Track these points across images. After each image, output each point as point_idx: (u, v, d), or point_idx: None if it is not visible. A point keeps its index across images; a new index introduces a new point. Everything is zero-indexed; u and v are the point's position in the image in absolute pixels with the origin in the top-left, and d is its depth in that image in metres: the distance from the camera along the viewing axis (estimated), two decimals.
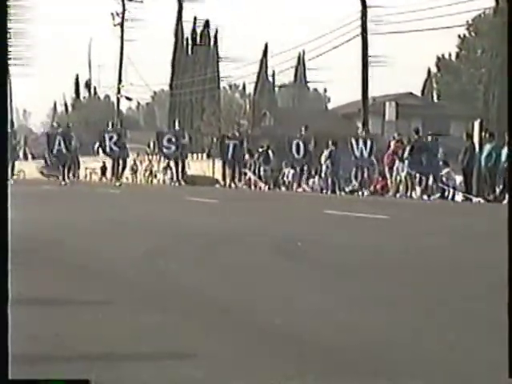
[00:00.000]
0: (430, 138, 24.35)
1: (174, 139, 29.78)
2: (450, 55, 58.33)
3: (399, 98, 46.20)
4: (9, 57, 2.30)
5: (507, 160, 18.83)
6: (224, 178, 33.48)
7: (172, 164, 31.52)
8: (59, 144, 29.12)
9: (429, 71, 59.78)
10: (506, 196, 20.45)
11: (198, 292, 5.12)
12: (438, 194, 23.09)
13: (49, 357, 3.37)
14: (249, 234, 9.34)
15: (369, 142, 26.34)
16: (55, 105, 74.73)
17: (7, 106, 2.29)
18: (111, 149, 29.08)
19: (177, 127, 31.08)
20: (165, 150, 30.29)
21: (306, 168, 28.28)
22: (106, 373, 3.09)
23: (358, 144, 26.34)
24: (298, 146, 28.01)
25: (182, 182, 29.74)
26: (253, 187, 29.63)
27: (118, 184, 28.43)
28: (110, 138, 29.23)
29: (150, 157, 37.77)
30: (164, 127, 53.02)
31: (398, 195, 24.32)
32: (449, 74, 56.76)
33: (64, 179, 29.12)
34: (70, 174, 30.08)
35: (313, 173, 28.28)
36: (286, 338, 3.74)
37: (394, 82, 60.64)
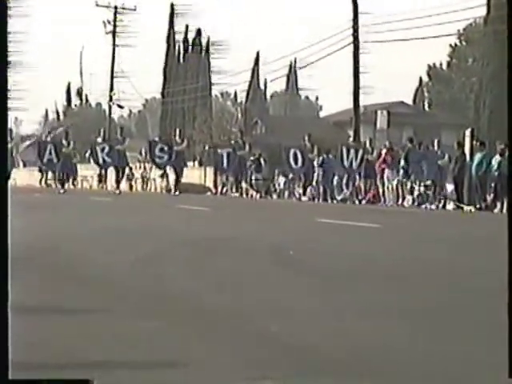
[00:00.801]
0: (422, 147, 24.44)
1: (166, 148, 29.49)
2: (441, 64, 58.55)
3: (390, 106, 46.31)
4: (8, 58, 2.30)
5: (508, 164, 18.76)
6: (215, 186, 33.47)
7: (168, 171, 31.31)
8: (56, 151, 28.90)
9: (420, 80, 60.02)
10: (497, 204, 20.51)
11: (189, 298, 5.12)
12: (433, 203, 23.14)
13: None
14: (241, 242, 9.34)
15: (360, 151, 26.33)
16: (47, 112, 74.70)
17: (7, 107, 2.29)
18: (111, 157, 28.68)
19: (177, 136, 30.35)
20: (157, 160, 30.01)
21: (303, 177, 27.88)
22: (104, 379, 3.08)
23: (349, 153, 26.32)
24: (295, 155, 27.69)
25: (177, 192, 29.23)
26: (244, 195, 29.63)
27: (117, 192, 28.06)
28: (110, 147, 28.83)
29: (146, 164, 37.73)
30: (156, 135, 53.04)
31: (389, 204, 24.38)
32: (440, 82, 56.96)
33: (63, 187, 28.91)
34: (68, 182, 29.87)
35: (307, 182, 28.07)
36: (275, 343, 3.74)
37: (386, 90, 60.74)
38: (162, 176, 33.78)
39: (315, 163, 27.28)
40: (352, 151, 26.33)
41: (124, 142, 29.32)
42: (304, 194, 27.79)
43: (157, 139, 33.67)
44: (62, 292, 5.40)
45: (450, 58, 57.18)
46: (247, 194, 29.68)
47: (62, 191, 28.39)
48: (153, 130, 64.88)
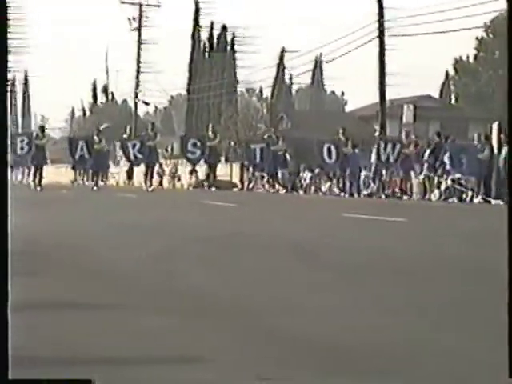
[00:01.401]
0: (449, 141, 24.29)
1: (199, 143, 28.92)
2: (467, 57, 58.10)
3: (417, 100, 46.07)
4: (9, 58, 2.30)
5: (508, 163, 18.64)
6: (242, 182, 33.46)
7: (197, 168, 31.02)
8: (88, 148, 28.52)
9: (446, 73, 59.63)
10: None
11: (209, 292, 5.11)
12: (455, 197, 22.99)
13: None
14: (268, 238, 9.33)
15: (398, 145, 25.73)
16: (73, 110, 75.05)
17: (7, 107, 2.29)
18: (142, 154, 28.03)
19: (209, 131, 29.81)
20: (189, 155, 29.53)
21: (338, 172, 27.06)
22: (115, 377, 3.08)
23: (386, 146, 25.63)
24: (329, 149, 27.02)
25: (211, 188, 28.59)
26: (270, 190, 29.59)
27: (149, 189, 27.59)
28: (141, 143, 28.33)
29: (174, 161, 37.69)
30: (181, 131, 53.12)
31: (416, 198, 24.25)
32: (467, 76, 56.53)
33: (96, 184, 28.57)
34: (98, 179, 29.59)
35: (340, 176, 27.40)
36: (293, 338, 3.72)
37: (412, 84, 60.41)
38: (191, 172, 33.66)
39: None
40: (389, 145, 25.80)
41: (155, 138, 28.72)
42: (343, 189, 27.04)
43: (189, 134, 33.34)
44: (99, 287, 5.41)
45: (476, 51, 56.73)
46: (273, 189, 29.64)
47: (95, 188, 27.99)
48: (178, 127, 64.99)
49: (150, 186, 28.14)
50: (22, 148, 27.77)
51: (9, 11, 2.30)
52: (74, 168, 33.49)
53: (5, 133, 2.30)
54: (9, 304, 2.23)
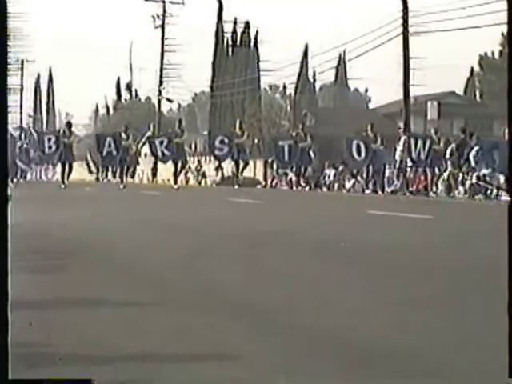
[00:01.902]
0: (473, 138, 24.14)
1: (226, 140, 28.38)
2: (492, 53, 57.69)
3: (441, 97, 45.83)
4: (8, 58, 2.32)
5: (508, 163, 18.44)
6: (265, 179, 33.39)
7: (223, 165, 30.59)
8: (116, 145, 28.14)
9: (471, 70, 59.23)
10: None
11: (242, 291, 5.11)
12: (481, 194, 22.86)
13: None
14: (294, 235, 9.32)
15: (428, 141, 25.42)
16: (97, 107, 75.32)
17: (7, 107, 2.31)
18: (170, 151, 27.44)
19: (237, 128, 29.35)
20: (216, 152, 28.95)
21: (365, 170, 26.48)
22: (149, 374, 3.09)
23: (416, 143, 25.25)
24: (358, 146, 26.49)
25: (237, 185, 28.15)
26: (294, 188, 29.53)
27: (175, 187, 27.07)
28: (169, 140, 27.61)
29: (200, 157, 37.56)
30: (205, 129, 53.14)
31: (440, 194, 24.14)
32: (492, 72, 56.13)
33: (122, 182, 28.05)
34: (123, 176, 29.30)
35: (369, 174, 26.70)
36: (325, 335, 3.72)
37: (436, 80, 60.06)
38: (216, 169, 33.48)
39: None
40: (420, 141, 25.37)
41: (183, 135, 28.22)
42: (367, 186, 26.78)
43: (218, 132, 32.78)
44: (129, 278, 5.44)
45: (501, 47, 56.31)
46: (297, 187, 29.54)
47: (121, 186, 27.51)
48: (202, 124, 65.08)
49: (175, 183, 27.62)
50: (49, 147, 27.66)
51: (8, 12, 2.32)
52: (86, 165, 33.32)
53: (5, 133, 2.31)
54: (9, 304, 2.23)
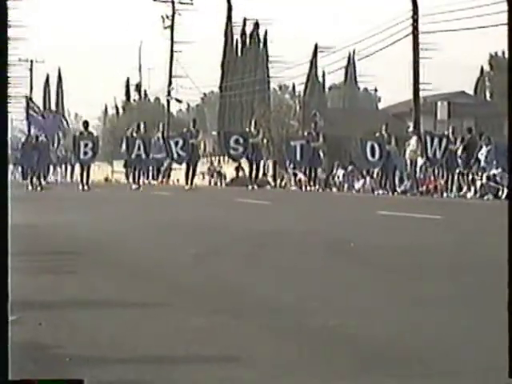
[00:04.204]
0: (483, 137, 24.05)
1: (241, 140, 27.77)
2: (503, 53, 57.51)
3: (451, 96, 45.67)
4: (8, 58, 2.28)
5: (508, 163, 18.36)
6: (275, 180, 33.36)
7: (242, 165, 30.06)
8: (138, 148, 27.75)
9: (481, 69, 59.08)
10: None
11: (251, 290, 5.07)
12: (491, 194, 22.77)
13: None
14: (303, 235, 9.28)
15: (444, 140, 24.93)
16: (106, 108, 75.43)
17: (7, 107, 2.27)
18: (185, 152, 26.92)
19: (252, 127, 28.15)
20: (231, 152, 28.39)
21: (380, 171, 26.15)
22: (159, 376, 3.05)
23: (432, 142, 24.83)
24: (372, 147, 26.12)
25: (255, 186, 27.35)
26: (303, 188, 29.43)
27: (187, 187, 26.60)
28: (184, 141, 27.07)
29: (213, 158, 37.32)
30: (214, 129, 53.12)
31: (451, 195, 24.04)
32: (502, 72, 55.94)
33: (136, 182, 27.71)
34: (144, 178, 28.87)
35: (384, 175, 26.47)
36: (335, 336, 3.66)
37: (446, 80, 59.94)
38: (237, 169, 33.20)
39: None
40: (436, 140, 24.88)
41: (198, 136, 27.76)
42: (380, 187, 26.45)
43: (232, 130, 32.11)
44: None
45: None
46: (306, 187, 29.42)
47: (134, 186, 27.33)
48: (211, 124, 65.13)
49: (191, 184, 27.01)
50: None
51: (9, 12, 2.28)
52: (125, 166, 32.93)
53: (5, 133, 2.28)
54: (9, 304, 2.20)
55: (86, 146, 26.86)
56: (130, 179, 29.67)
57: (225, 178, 37.03)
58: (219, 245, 8.23)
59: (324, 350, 3.51)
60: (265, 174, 35.76)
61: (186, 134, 27.78)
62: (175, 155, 27.60)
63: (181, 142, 27.34)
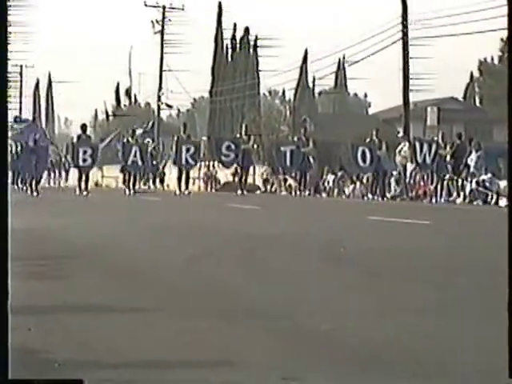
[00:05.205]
0: (472, 143, 24.14)
1: (233, 146, 27.41)
2: (492, 59, 57.75)
3: (441, 102, 45.80)
4: (8, 58, 2.29)
5: (508, 163, 18.45)
6: (265, 185, 33.38)
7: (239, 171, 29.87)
8: (141, 153, 27.38)
9: (471, 75, 59.28)
10: None
11: (241, 293, 5.09)
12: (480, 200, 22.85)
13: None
14: (293, 240, 9.30)
15: (434, 145, 24.88)
16: (96, 112, 75.35)
17: (7, 107, 2.28)
18: (187, 160, 26.59)
19: (243, 133, 27.70)
20: (223, 158, 28.00)
21: (373, 176, 26.00)
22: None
23: (422, 147, 24.71)
24: (363, 153, 26.10)
25: (245, 192, 26.92)
26: (293, 193, 29.46)
27: (177, 193, 26.27)
28: (187, 150, 26.57)
29: (208, 163, 37.22)
30: (204, 134, 53.10)
31: (441, 200, 24.11)
32: (491, 77, 56.18)
33: (131, 188, 27.22)
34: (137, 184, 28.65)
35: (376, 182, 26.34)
36: (323, 336, 3.69)
37: (436, 86, 60.06)
38: (233, 175, 33.16)
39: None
40: (425, 146, 24.79)
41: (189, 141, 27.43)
42: (370, 192, 26.37)
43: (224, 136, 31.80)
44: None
45: (501, 53, 56.35)
46: (296, 192, 29.40)
47: (127, 192, 26.85)
48: (201, 129, 65.13)
49: (184, 190, 26.59)
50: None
51: (9, 12, 2.30)
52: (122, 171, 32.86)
53: (5, 134, 2.29)
54: (9, 304, 2.20)
55: (85, 152, 26.52)
56: (124, 184, 29.50)
57: (219, 183, 37.01)
58: (213, 247, 8.25)
59: (310, 353, 3.54)
60: (254, 180, 35.84)
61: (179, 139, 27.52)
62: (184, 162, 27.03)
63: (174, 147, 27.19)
